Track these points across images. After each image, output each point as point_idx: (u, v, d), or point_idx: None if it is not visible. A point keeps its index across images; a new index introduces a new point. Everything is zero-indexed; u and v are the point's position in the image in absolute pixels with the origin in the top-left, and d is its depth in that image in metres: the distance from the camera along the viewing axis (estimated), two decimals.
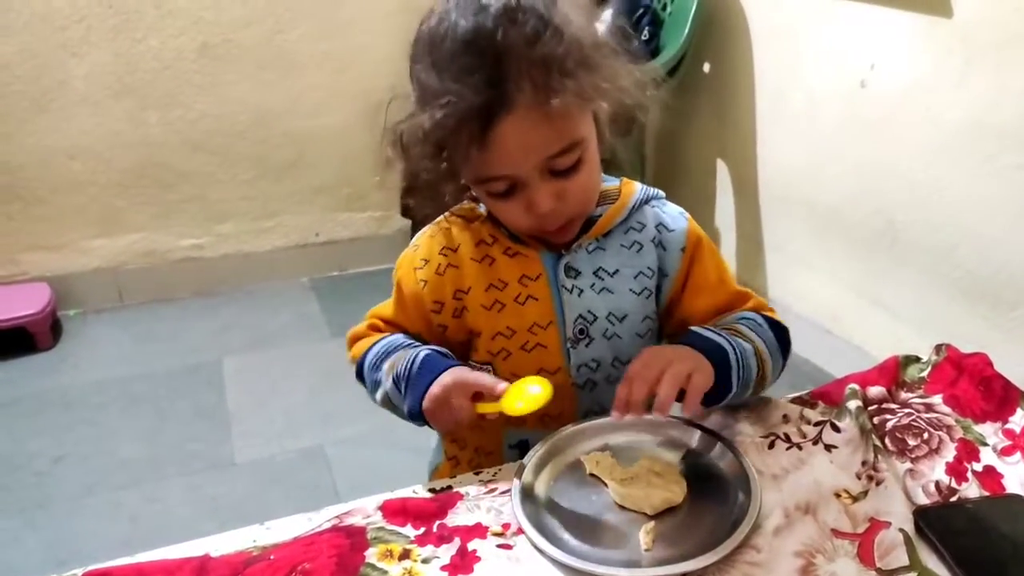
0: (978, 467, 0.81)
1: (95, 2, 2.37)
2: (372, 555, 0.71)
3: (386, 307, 0.98)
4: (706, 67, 2.49)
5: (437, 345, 0.91)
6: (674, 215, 0.95)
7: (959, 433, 0.85)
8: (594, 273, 0.91)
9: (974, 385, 0.90)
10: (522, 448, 0.90)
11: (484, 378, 0.82)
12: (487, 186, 0.83)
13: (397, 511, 0.76)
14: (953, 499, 0.77)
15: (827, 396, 0.90)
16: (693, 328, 0.87)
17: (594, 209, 0.90)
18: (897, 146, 1.91)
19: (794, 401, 0.90)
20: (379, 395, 0.92)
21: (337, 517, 0.76)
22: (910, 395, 0.91)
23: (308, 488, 1.85)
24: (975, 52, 1.70)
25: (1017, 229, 1.68)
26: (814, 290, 2.27)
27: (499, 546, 0.72)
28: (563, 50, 0.76)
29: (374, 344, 0.94)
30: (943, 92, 1.78)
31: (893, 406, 0.89)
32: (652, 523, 0.74)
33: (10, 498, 1.85)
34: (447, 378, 0.83)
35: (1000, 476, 0.80)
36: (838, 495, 0.76)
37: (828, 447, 0.83)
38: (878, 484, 0.77)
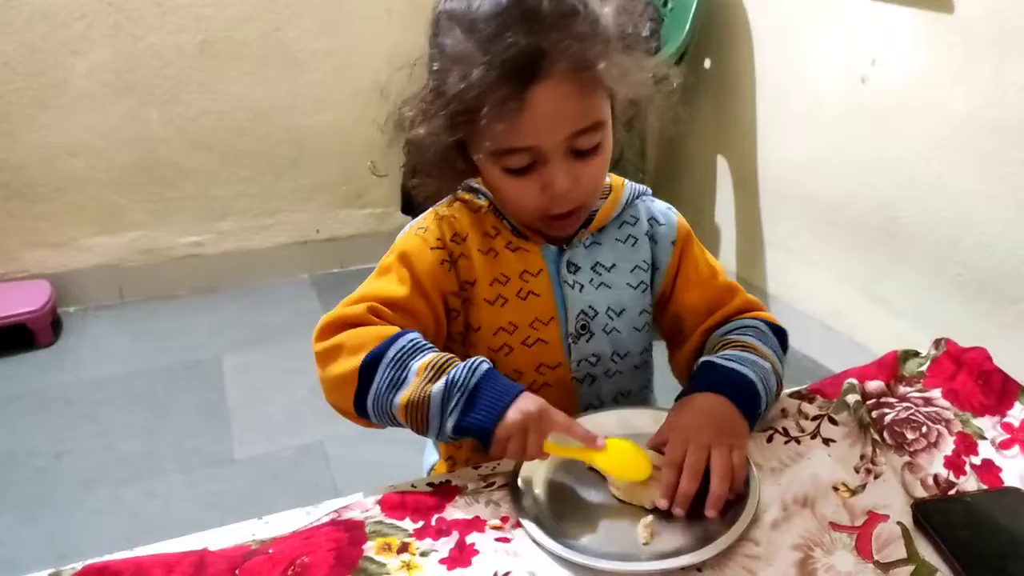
0: (976, 461, 0.81)
1: None
2: (371, 548, 0.71)
3: (389, 288, 0.85)
4: (707, 63, 2.49)
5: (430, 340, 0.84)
6: (663, 209, 0.96)
7: (958, 427, 0.85)
8: (592, 268, 0.91)
9: (973, 379, 0.90)
10: None
11: (576, 427, 0.77)
12: (506, 159, 0.81)
13: (396, 505, 0.76)
14: (951, 492, 0.77)
15: (825, 390, 0.90)
16: (716, 361, 0.84)
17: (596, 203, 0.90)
18: (898, 142, 1.91)
19: (792, 395, 0.90)
20: (397, 397, 0.77)
21: (336, 511, 0.76)
22: (909, 389, 0.91)
23: (307, 484, 1.85)
24: (976, 48, 1.70)
25: (1018, 224, 1.68)
26: (815, 286, 2.27)
27: (497, 539, 0.73)
28: (598, 30, 0.79)
29: (398, 336, 0.79)
30: (944, 88, 1.78)
31: (892, 400, 0.89)
32: (650, 517, 0.74)
33: (10, 494, 1.85)
34: (530, 406, 0.75)
35: (998, 470, 0.80)
36: (836, 488, 0.77)
37: (826, 441, 0.83)
38: (876, 477, 0.77)
